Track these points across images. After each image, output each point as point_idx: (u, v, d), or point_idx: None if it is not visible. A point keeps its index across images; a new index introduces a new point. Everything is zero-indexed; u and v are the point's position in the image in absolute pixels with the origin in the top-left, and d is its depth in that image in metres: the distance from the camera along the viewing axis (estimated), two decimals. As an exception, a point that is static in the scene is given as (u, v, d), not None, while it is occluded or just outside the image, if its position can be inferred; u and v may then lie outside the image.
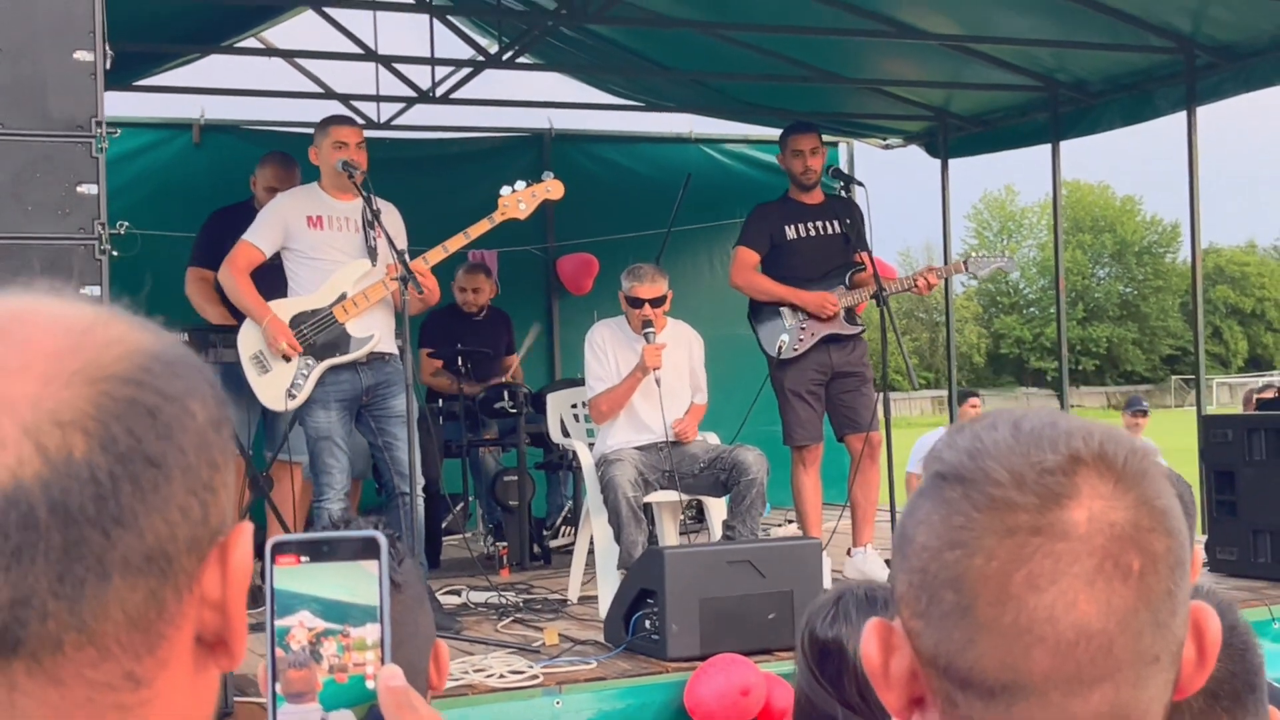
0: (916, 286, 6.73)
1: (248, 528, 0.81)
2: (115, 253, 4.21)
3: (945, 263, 9.35)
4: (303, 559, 1.07)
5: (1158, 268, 64.10)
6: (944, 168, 10.34)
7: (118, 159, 9.22)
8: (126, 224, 4.22)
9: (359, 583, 1.09)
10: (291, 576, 1.06)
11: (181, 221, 8.23)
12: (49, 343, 0.76)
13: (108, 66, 4.17)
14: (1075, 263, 59.76)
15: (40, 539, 0.72)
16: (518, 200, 5.92)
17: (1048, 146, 9.46)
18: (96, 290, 4.15)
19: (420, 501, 5.73)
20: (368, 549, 1.09)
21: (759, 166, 10.69)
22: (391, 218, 5.81)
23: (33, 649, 0.73)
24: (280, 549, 1.06)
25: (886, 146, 10.88)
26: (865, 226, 6.82)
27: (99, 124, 4.16)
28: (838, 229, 6.72)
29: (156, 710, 0.77)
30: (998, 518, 0.91)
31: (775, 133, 10.68)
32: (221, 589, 0.79)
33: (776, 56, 9.02)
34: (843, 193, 6.90)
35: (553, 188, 6.02)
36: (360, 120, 8.23)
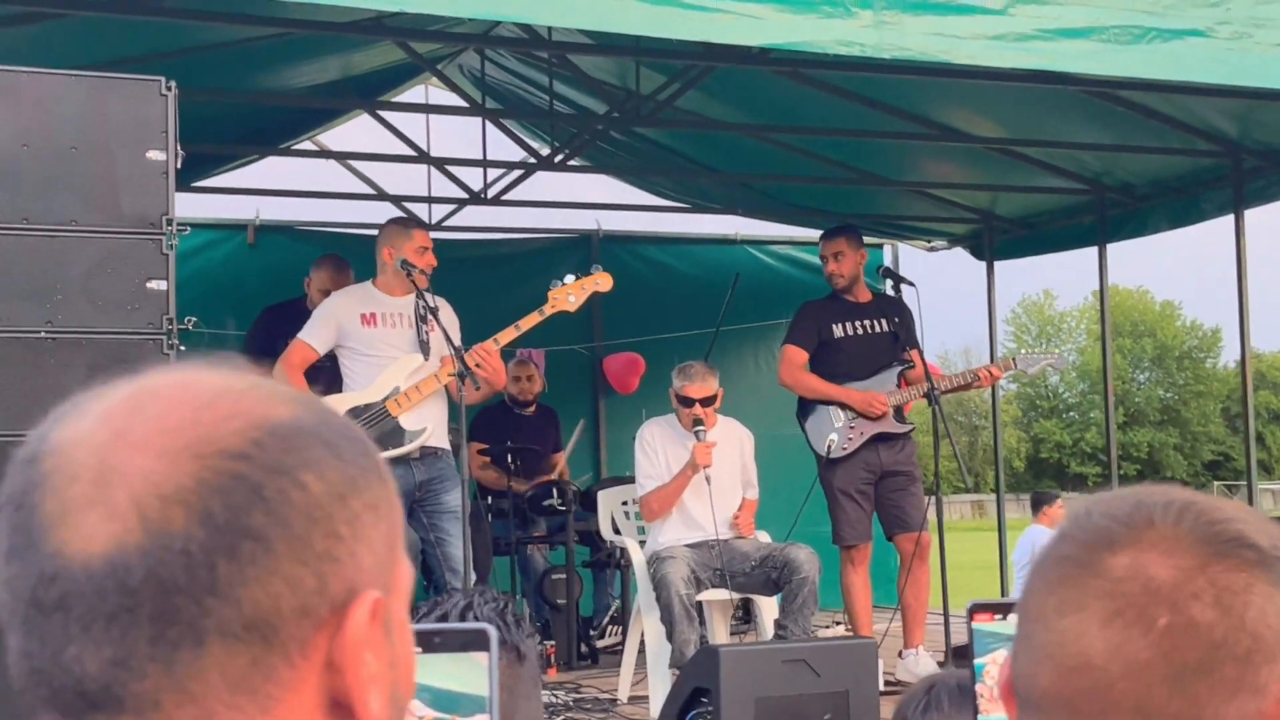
0: (979, 380, 6.73)
1: (370, 598, 0.83)
2: (183, 348, 4.28)
3: (992, 362, 9.35)
4: (415, 650, 1.09)
5: (1198, 373, 63.68)
6: (989, 270, 10.37)
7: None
8: (195, 319, 4.29)
9: (469, 673, 1.11)
10: None
11: (236, 320, 8.37)
12: (172, 417, 0.80)
13: (179, 166, 4.27)
14: (1115, 367, 59.02)
15: (136, 604, 0.76)
16: (567, 293, 5.98)
17: (1088, 250, 9.49)
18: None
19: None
20: (477, 641, 1.11)
21: (804, 267, 10.74)
22: (446, 314, 5.88)
23: (134, 706, 0.77)
24: None
25: (931, 249, 10.93)
26: (916, 325, 6.84)
27: (169, 221, 4.24)
28: (886, 327, 6.74)
29: None
30: (1061, 548, 1.00)
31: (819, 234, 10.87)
32: (341, 655, 0.82)
33: (821, 159, 9.12)
34: (892, 292, 6.92)
35: (602, 280, 6.08)
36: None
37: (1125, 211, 9.25)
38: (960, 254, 10.85)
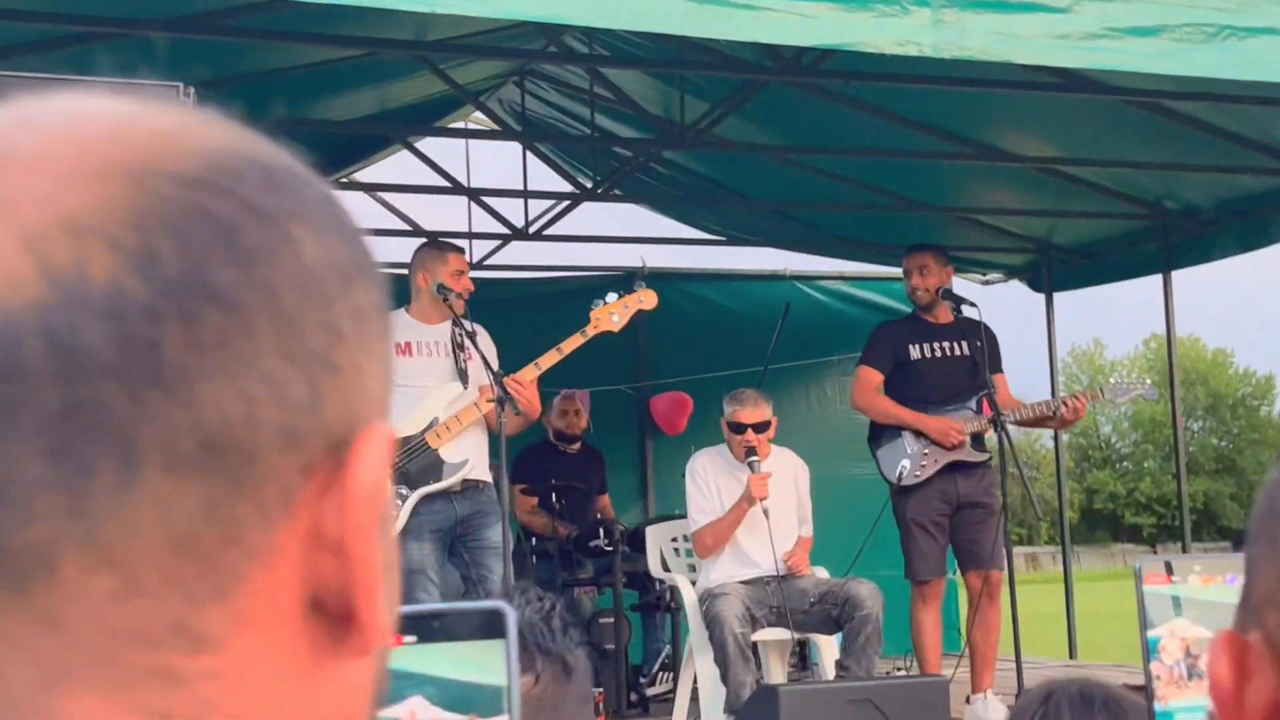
0: (1062, 413, 6.35)
1: (383, 430, 0.53)
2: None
3: (1053, 398, 9.00)
4: (408, 638, 0.83)
5: (1252, 420, 62.81)
6: (1049, 302, 10.03)
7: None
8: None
9: (486, 660, 0.84)
10: (397, 657, 0.81)
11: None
12: (88, 129, 0.50)
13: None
14: (1166, 416, 58.78)
15: (28, 393, 0.46)
16: (610, 312, 5.71)
17: (1141, 294, 9.15)
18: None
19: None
20: (491, 626, 0.84)
21: (855, 303, 10.47)
22: (484, 340, 5.62)
23: (12, 569, 0.46)
24: None
25: (987, 282, 10.60)
26: (997, 348, 6.52)
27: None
28: (966, 350, 6.41)
29: (232, 694, 0.49)
30: None
31: (871, 269, 10.60)
32: (339, 521, 0.51)
33: (868, 187, 8.84)
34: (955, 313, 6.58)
35: (645, 297, 5.80)
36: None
37: (1190, 236, 8.91)
38: (1015, 290, 10.52)
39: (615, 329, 5.73)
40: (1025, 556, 49.42)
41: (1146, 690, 0.89)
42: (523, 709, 1.32)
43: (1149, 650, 0.87)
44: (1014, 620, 5.97)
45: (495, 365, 5.52)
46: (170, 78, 6.46)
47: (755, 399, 5.93)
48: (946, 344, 6.44)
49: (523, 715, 1.32)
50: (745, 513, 5.77)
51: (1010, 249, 9.99)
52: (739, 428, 5.87)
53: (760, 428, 5.85)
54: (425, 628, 0.84)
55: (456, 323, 5.55)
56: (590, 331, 5.69)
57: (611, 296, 5.78)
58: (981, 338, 6.40)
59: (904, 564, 6.34)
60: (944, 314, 6.48)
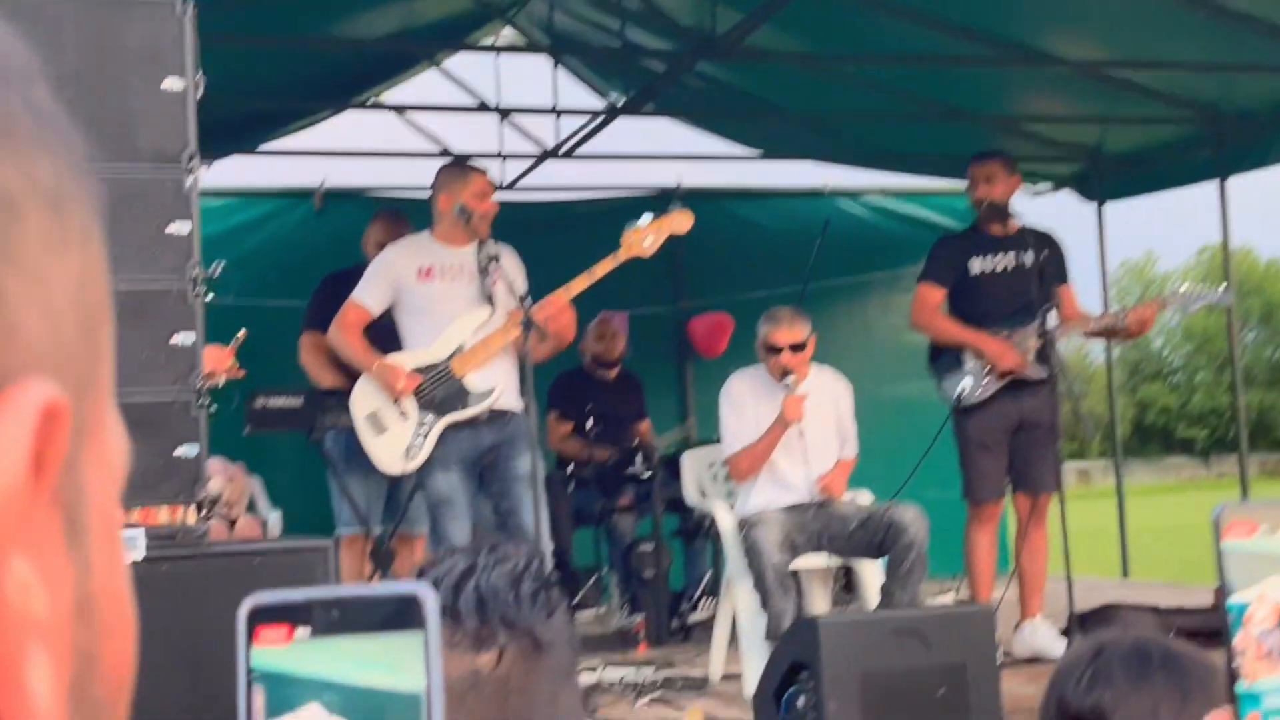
0: (1126, 327, 6.05)
1: (40, 397, 0.36)
2: (210, 296, 3.85)
3: (1105, 312, 8.72)
4: (299, 631, 0.65)
5: (1307, 330, 61.92)
6: (1099, 212, 9.73)
7: (240, 228, 9.07)
8: (223, 263, 3.87)
9: (401, 658, 0.65)
10: (288, 655, 0.64)
11: (304, 290, 7.96)
12: None
13: (198, 95, 3.84)
14: (1220, 327, 57.97)
15: None
16: (643, 236, 5.48)
17: (1193, 203, 8.84)
18: (191, 337, 3.79)
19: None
20: (407, 614, 0.66)
21: (898, 218, 10.20)
22: (510, 261, 5.41)
23: None
24: (262, 616, 0.66)
25: (1036, 193, 10.28)
26: (1065, 259, 6.23)
27: (191, 157, 3.81)
28: (1032, 262, 6.07)
29: None
30: None
31: (914, 183, 10.30)
32: None
33: (910, 97, 8.54)
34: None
35: (681, 220, 5.57)
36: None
37: (1246, 141, 8.56)
38: (1065, 201, 10.21)
39: (647, 254, 5.52)
40: (1076, 471, 49.03)
41: (1228, 668, 0.70)
42: (485, 693, 1.13)
43: (1232, 620, 0.68)
44: (1064, 541, 5.76)
45: (522, 288, 5.33)
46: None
47: (791, 318, 5.70)
48: (1011, 255, 6.14)
49: (485, 701, 1.13)
50: (781, 436, 5.57)
51: (1059, 158, 9.66)
52: (774, 349, 5.66)
53: (797, 348, 5.64)
54: (323, 618, 0.66)
55: (481, 246, 5.35)
56: (622, 256, 5.47)
57: (645, 219, 5.55)
58: (1050, 248, 6.13)
59: (962, 484, 6.13)
60: (1009, 225, 6.17)
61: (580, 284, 5.40)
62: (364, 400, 5.41)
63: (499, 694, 1.13)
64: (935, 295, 6.22)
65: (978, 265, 6.15)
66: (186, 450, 3.74)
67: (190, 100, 3.82)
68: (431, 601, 0.67)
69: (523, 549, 1.24)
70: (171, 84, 3.81)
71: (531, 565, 1.22)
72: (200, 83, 3.84)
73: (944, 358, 6.20)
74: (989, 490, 6.07)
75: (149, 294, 3.74)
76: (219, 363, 4.83)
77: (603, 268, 5.42)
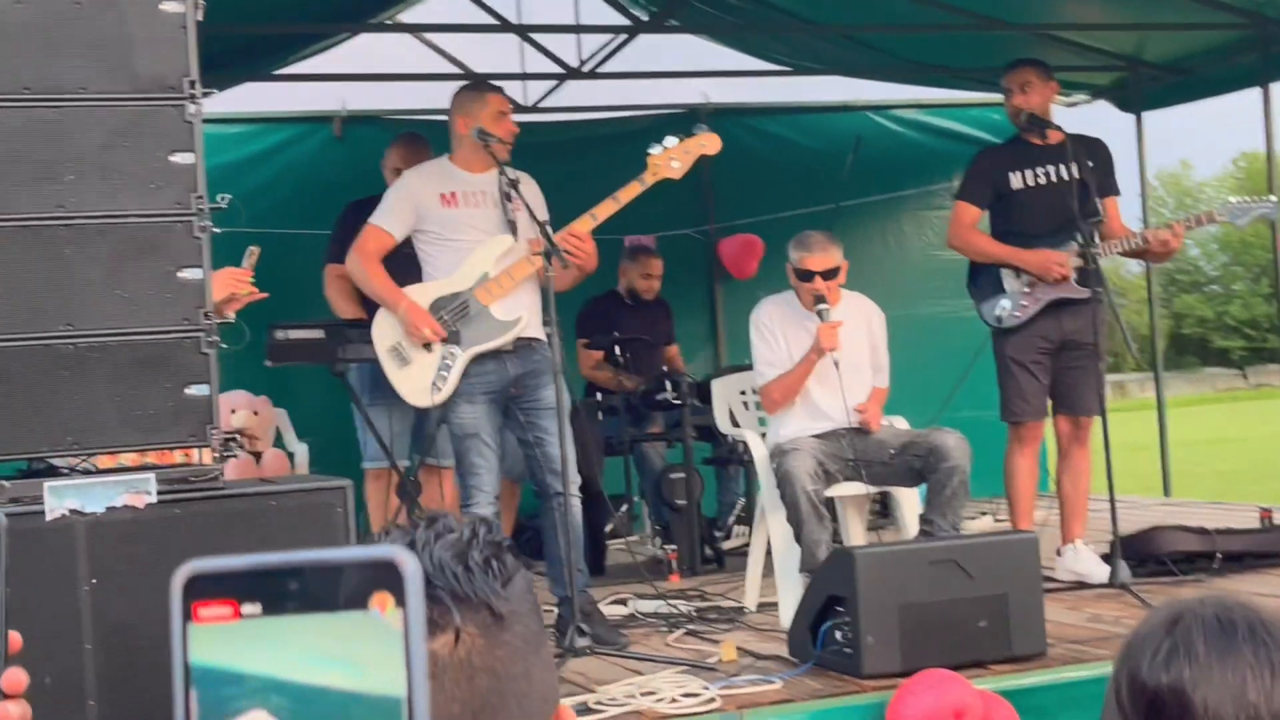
0: (1155, 244, 5.82)
1: None
2: (216, 229, 3.71)
3: (1145, 226, 8.47)
4: (246, 608, 0.50)
5: (1348, 238, 61.11)
6: (1138, 122, 9.48)
7: (258, 155, 8.91)
8: (228, 196, 3.71)
9: (366, 648, 0.49)
10: (232, 641, 0.48)
11: (324, 219, 7.83)
12: None
13: (199, 18, 3.67)
14: (1258, 236, 57.25)
15: None
16: (669, 159, 5.30)
17: (1231, 110, 8.54)
18: (198, 273, 3.65)
19: (576, 502, 5.14)
20: (377, 581, 0.51)
21: (932, 132, 9.96)
22: (530, 188, 5.24)
23: None
24: (202, 588, 0.50)
25: (1072, 104, 10.00)
26: (1113, 168, 5.99)
27: (193, 84, 3.65)
28: (1076, 173, 5.80)
29: None
30: None
31: (948, 95, 10.04)
32: None
33: (942, 7, 8.26)
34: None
35: (708, 141, 5.37)
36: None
37: (1291, 46, 8.29)
38: (1102, 111, 9.93)
39: (676, 176, 5.33)
40: (1112, 384, 48.66)
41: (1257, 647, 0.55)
42: (447, 681, 0.98)
43: None
44: (1107, 463, 5.58)
45: (542, 215, 5.16)
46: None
47: (823, 243, 5.51)
48: (1052, 168, 5.90)
49: (449, 690, 0.99)
50: (814, 364, 5.41)
51: (1097, 67, 9.37)
52: (806, 275, 5.48)
53: (829, 274, 5.45)
54: (276, 591, 0.51)
55: (502, 172, 5.18)
56: (648, 179, 5.29)
57: (670, 141, 5.36)
58: (1095, 159, 5.88)
59: (1000, 404, 5.95)
60: (1052, 134, 5.91)
61: (606, 210, 5.23)
62: (386, 332, 5.27)
63: (463, 678, 1.00)
64: (972, 213, 6.02)
65: (1017, 180, 5.93)
66: (197, 390, 3.61)
67: (191, 24, 3.66)
68: (412, 569, 0.52)
69: (466, 518, 1.09)
70: (170, 7, 3.64)
71: (478, 533, 1.07)
72: (201, 6, 3.67)
73: (982, 278, 6.00)
74: (1029, 410, 5.89)
75: (152, 226, 3.61)
76: (237, 284, 4.68)
77: (629, 192, 5.24)
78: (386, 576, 0.51)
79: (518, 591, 1.07)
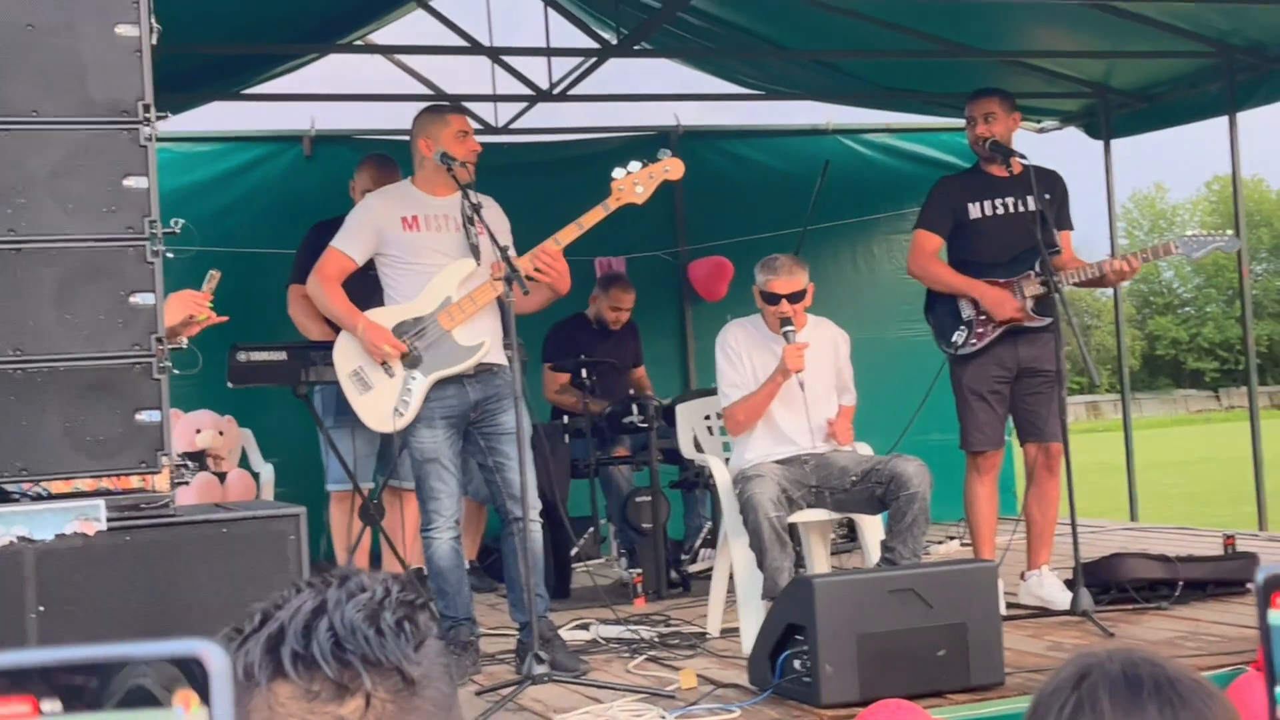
0: (1112, 275, 5.84)
1: None
2: (170, 254, 3.68)
3: (1112, 254, 8.50)
4: (46, 704, 0.48)
5: (1319, 262, 61.46)
6: (1106, 149, 9.51)
7: (228, 174, 8.88)
8: (181, 221, 3.69)
9: None
10: None
11: (293, 238, 7.83)
12: None
13: (154, 41, 3.65)
14: (1230, 259, 57.56)
15: None
16: (634, 183, 5.29)
17: (1202, 136, 8.59)
18: (150, 298, 3.62)
19: (536, 528, 5.12)
20: (182, 678, 0.49)
21: (902, 156, 9.98)
22: (493, 212, 5.22)
23: None
24: (1, 684, 0.48)
25: (1041, 130, 10.05)
26: (1067, 202, 6.00)
27: (147, 108, 3.63)
28: (1032, 205, 5.84)
29: None
30: None
31: (918, 120, 10.07)
32: None
33: (910, 32, 8.28)
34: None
35: (671, 166, 5.36)
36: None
37: (1257, 75, 8.33)
38: (1072, 137, 9.98)
39: (639, 201, 5.32)
40: (1086, 405, 48.80)
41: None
42: None
43: (1275, 701, 0.56)
44: (1069, 489, 5.58)
45: (505, 239, 5.15)
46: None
47: (789, 266, 5.51)
48: (1011, 199, 5.94)
49: None
50: (779, 387, 5.40)
51: (1066, 94, 9.41)
52: (772, 298, 5.47)
53: (795, 297, 5.45)
54: (76, 687, 0.49)
55: (465, 194, 5.16)
56: (612, 204, 5.27)
57: (634, 165, 5.35)
58: (1052, 191, 5.91)
59: (959, 434, 5.97)
60: (1011, 165, 5.94)
61: (569, 234, 5.21)
62: (347, 357, 5.25)
63: None
64: (932, 242, 6.04)
65: (976, 210, 5.96)
66: (148, 416, 3.58)
67: (146, 47, 3.64)
68: (219, 665, 0.50)
69: (378, 577, 1.08)
70: (125, 30, 3.62)
71: (391, 593, 1.06)
72: (156, 29, 3.65)
73: (940, 305, 6.03)
74: (985, 440, 5.91)
75: (105, 251, 3.58)
76: (195, 308, 4.66)
77: (591, 217, 5.23)
78: (193, 673, 0.50)
79: (430, 654, 1.06)
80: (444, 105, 5.57)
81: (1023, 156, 5.86)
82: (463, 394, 5.19)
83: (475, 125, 5.42)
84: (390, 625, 1.02)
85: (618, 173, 5.31)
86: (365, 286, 5.38)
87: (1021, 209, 5.90)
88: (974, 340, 5.88)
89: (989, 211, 5.95)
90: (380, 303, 5.31)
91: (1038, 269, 5.76)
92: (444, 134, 5.20)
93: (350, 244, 5.27)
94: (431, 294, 5.22)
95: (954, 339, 5.92)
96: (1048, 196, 5.83)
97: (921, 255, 6.03)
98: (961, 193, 6.02)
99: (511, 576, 5.22)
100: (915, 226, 6.12)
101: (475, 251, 5.20)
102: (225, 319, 4.88)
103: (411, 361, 5.17)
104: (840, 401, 5.67)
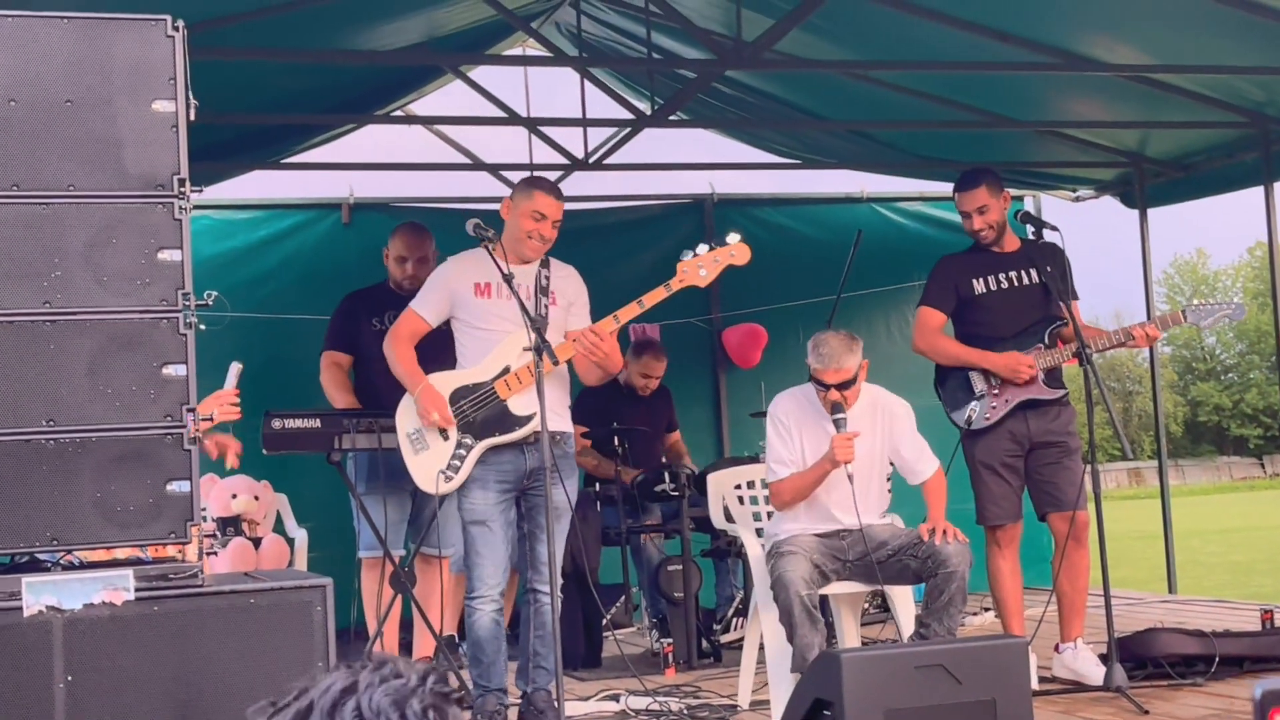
0: (1134, 340, 5.88)
1: None
2: (203, 326, 3.73)
3: (1149, 319, 8.47)
4: None
5: (1363, 328, 60.89)
6: (1142, 218, 9.48)
7: (266, 241, 8.98)
8: (215, 294, 3.73)
9: None
10: None
11: (330, 304, 7.91)
12: None
13: (191, 117, 3.71)
14: (1273, 326, 57.15)
15: None
16: (699, 266, 5.31)
17: (1244, 201, 8.58)
18: (182, 370, 3.66)
19: (557, 602, 5.07)
20: None
21: (936, 225, 9.99)
22: (567, 283, 5.35)
23: None
24: None
25: (1077, 199, 10.05)
26: (1070, 274, 6.01)
27: (182, 182, 3.69)
28: (1035, 278, 5.93)
29: None
30: None
31: (951, 187, 10.06)
32: None
33: (945, 102, 8.33)
34: (1036, 238, 6.05)
35: (738, 252, 5.38)
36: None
37: (1293, 145, 8.31)
38: (1108, 205, 9.98)
39: (702, 284, 5.37)
40: (1129, 471, 48.34)
41: None
42: None
43: None
44: (1103, 559, 5.52)
45: (581, 308, 5.35)
46: (199, 12, 6.20)
47: (839, 355, 5.35)
48: (1013, 274, 5.97)
49: None
50: (827, 474, 5.34)
51: (1101, 163, 9.42)
52: (822, 384, 5.41)
53: (844, 385, 5.38)
54: None
55: (544, 265, 5.27)
56: (675, 285, 5.31)
57: (702, 249, 5.38)
58: (1053, 264, 5.92)
59: (975, 508, 5.95)
60: (1010, 241, 6.00)
61: (629, 313, 5.27)
62: (408, 417, 5.33)
63: None
64: (937, 318, 6.05)
65: (980, 285, 5.99)
66: (178, 486, 3.61)
67: (181, 123, 3.70)
68: None
69: (418, 666, 1.08)
70: (162, 106, 3.68)
71: (426, 683, 1.06)
72: (194, 105, 3.72)
73: (951, 380, 6.03)
74: (1001, 514, 5.89)
75: (139, 324, 3.63)
76: (225, 412, 4.77)
77: (653, 297, 5.28)
78: None
79: None
80: (543, 181, 5.62)
81: (1055, 228, 5.87)
82: (519, 460, 5.22)
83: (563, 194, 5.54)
84: (416, 712, 1.03)
85: (685, 255, 5.34)
86: (438, 348, 5.48)
87: (1025, 281, 5.93)
88: (987, 415, 5.88)
89: (993, 286, 5.97)
90: (451, 365, 5.36)
91: (1047, 341, 5.81)
92: (522, 205, 5.30)
93: (425, 306, 5.36)
94: (493, 361, 5.28)
95: (968, 413, 5.92)
96: (1049, 269, 5.85)
97: (926, 331, 6.05)
98: (964, 269, 6.04)
99: (521, 644, 5.29)
100: (919, 304, 6.13)
101: (543, 323, 5.21)
102: (239, 416, 5.06)
103: (466, 427, 5.21)
104: (922, 474, 5.53)
